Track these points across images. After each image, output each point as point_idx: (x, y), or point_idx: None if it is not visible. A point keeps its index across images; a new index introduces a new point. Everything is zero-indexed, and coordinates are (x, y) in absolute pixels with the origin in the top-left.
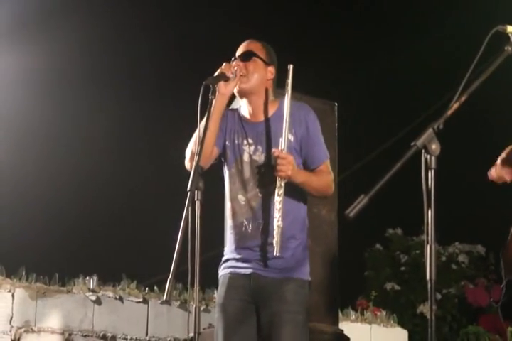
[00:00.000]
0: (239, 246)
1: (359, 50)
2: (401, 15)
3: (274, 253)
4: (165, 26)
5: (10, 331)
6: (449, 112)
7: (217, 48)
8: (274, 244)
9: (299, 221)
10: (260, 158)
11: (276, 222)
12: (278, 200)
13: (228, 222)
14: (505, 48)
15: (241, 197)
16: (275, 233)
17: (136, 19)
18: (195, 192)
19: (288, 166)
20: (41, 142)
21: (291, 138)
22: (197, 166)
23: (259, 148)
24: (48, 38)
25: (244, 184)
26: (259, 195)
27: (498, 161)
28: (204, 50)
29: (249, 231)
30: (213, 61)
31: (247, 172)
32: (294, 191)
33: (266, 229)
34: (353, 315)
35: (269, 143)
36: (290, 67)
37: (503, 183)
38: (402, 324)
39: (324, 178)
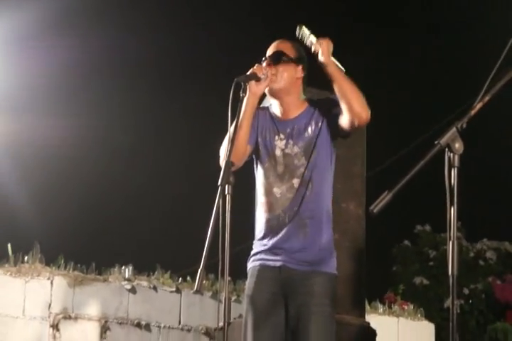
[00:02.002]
0: (271, 239)
1: (391, 47)
2: (436, 13)
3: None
4: (193, 24)
5: (48, 317)
6: (473, 112)
7: (247, 47)
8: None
9: (327, 214)
10: (293, 150)
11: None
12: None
13: (263, 216)
14: None
15: (276, 190)
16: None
17: (165, 17)
18: (226, 186)
19: (328, 46)
20: (84, 138)
21: (320, 131)
22: (228, 162)
23: (291, 141)
24: (80, 35)
25: (278, 178)
26: (295, 187)
27: None
28: (234, 49)
29: (285, 222)
30: (243, 60)
31: (280, 166)
32: (323, 183)
33: (299, 221)
34: (380, 308)
35: (300, 136)
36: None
37: None
38: (429, 318)
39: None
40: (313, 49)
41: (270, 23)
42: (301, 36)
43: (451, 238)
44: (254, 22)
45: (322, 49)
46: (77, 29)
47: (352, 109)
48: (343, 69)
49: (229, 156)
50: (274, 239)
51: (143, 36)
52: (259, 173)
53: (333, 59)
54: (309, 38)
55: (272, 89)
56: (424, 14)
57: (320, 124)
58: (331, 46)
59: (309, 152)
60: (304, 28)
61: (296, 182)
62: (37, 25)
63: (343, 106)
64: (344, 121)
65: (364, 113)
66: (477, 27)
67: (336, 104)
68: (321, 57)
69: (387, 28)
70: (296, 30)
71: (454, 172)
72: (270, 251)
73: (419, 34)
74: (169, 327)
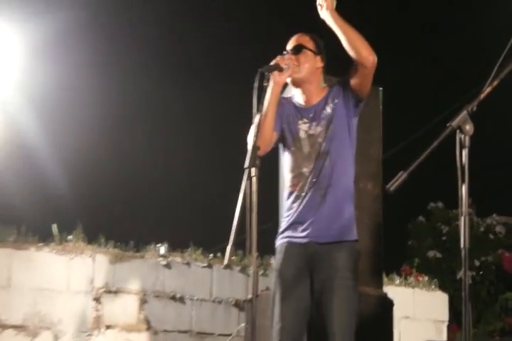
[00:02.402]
0: (296, 214)
1: (404, 36)
2: (447, 2)
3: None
4: (222, 20)
5: (92, 291)
6: (482, 96)
7: (269, 38)
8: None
9: (350, 190)
10: (316, 130)
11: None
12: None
13: (292, 195)
14: None
15: (305, 170)
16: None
17: (189, 10)
18: (252, 169)
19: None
20: (122, 128)
21: (337, 104)
22: (254, 146)
23: (314, 123)
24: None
25: (306, 158)
26: (318, 163)
27: None
28: (257, 40)
29: (308, 193)
30: (266, 50)
31: (305, 147)
32: (340, 154)
33: (319, 190)
34: (397, 280)
35: (321, 116)
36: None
37: None
38: (443, 288)
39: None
40: (317, 3)
41: (289, 16)
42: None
43: (463, 214)
44: (274, 14)
45: (327, 3)
46: (102, 30)
47: (359, 53)
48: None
49: (255, 141)
50: (299, 213)
51: (168, 31)
52: (286, 157)
53: (332, 11)
54: None
55: (295, 79)
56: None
57: (336, 100)
58: (334, 1)
59: (328, 122)
60: None
61: (321, 160)
62: (65, 28)
63: (352, 54)
64: (355, 77)
65: (371, 56)
66: (490, 14)
67: (345, 75)
68: (324, 11)
69: (397, 15)
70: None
71: (464, 153)
72: (296, 226)
73: (430, 19)
74: (202, 300)
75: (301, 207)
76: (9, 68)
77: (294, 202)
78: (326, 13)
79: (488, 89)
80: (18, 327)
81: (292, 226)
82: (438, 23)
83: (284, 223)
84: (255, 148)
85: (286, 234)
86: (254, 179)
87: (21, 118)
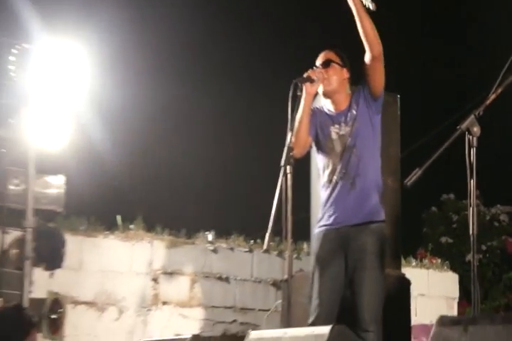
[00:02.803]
0: (331, 204)
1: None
2: (461, 8)
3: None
4: (262, 28)
5: (150, 272)
6: (488, 102)
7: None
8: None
9: (377, 180)
10: (345, 130)
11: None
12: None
13: (327, 191)
14: None
15: (338, 167)
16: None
17: (240, 21)
18: (287, 167)
19: None
20: (183, 127)
21: (359, 104)
22: (289, 147)
23: (343, 124)
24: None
25: (338, 155)
26: (346, 156)
27: None
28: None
29: (342, 187)
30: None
31: (337, 146)
32: (365, 148)
33: (352, 183)
34: (413, 262)
35: (348, 117)
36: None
37: None
38: (453, 269)
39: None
40: None
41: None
42: None
43: (471, 205)
44: (306, 26)
45: None
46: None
47: (368, 39)
48: (371, 5)
49: (290, 142)
50: (332, 202)
51: (217, 39)
52: (320, 157)
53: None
54: None
55: (326, 91)
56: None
57: (358, 100)
58: None
59: (354, 123)
60: None
61: (352, 156)
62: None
63: (364, 37)
64: (368, 72)
65: (378, 44)
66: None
67: (363, 79)
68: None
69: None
70: None
71: (472, 152)
72: (330, 214)
73: (445, 27)
74: (244, 280)
75: (333, 196)
76: (80, 81)
77: (327, 193)
78: (351, 2)
79: (493, 96)
80: (89, 303)
81: (327, 214)
82: (451, 28)
83: (320, 213)
84: (290, 148)
85: (322, 222)
86: (289, 175)
87: (90, 126)
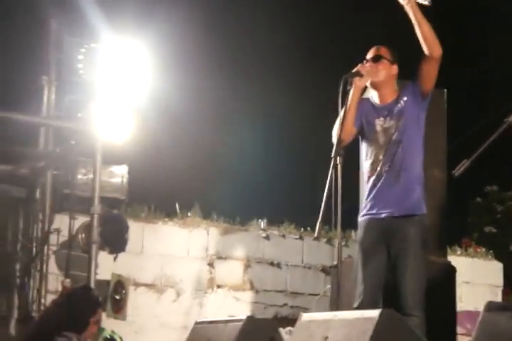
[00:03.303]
0: (375, 194)
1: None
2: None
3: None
4: (312, 25)
5: (206, 257)
6: None
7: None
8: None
9: (420, 174)
10: (389, 123)
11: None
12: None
13: (370, 179)
14: None
15: (381, 157)
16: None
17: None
18: (337, 158)
19: None
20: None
21: (407, 101)
22: (339, 139)
23: (387, 118)
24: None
25: (381, 147)
26: (392, 150)
27: None
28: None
29: (386, 179)
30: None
31: (381, 138)
32: (411, 143)
33: (393, 173)
34: (458, 250)
35: (393, 112)
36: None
37: None
38: (498, 258)
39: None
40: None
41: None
42: None
43: None
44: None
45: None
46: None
47: (429, 44)
48: (426, 1)
49: (339, 135)
50: (376, 193)
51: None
52: (364, 147)
53: (414, 6)
54: None
55: (374, 82)
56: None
57: (405, 98)
58: None
59: (399, 117)
60: None
61: (394, 148)
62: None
63: (423, 43)
64: (423, 67)
65: (438, 48)
66: None
67: (414, 75)
68: (406, 6)
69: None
70: None
71: None
72: (374, 205)
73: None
74: (295, 265)
75: (377, 187)
76: (142, 78)
77: (372, 184)
78: (408, 7)
79: None
80: (149, 286)
81: (371, 204)
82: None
83: (364, 203)
84: (340, 140)
85: (366, 212)
86: (338, 166)
87: (151, 120)
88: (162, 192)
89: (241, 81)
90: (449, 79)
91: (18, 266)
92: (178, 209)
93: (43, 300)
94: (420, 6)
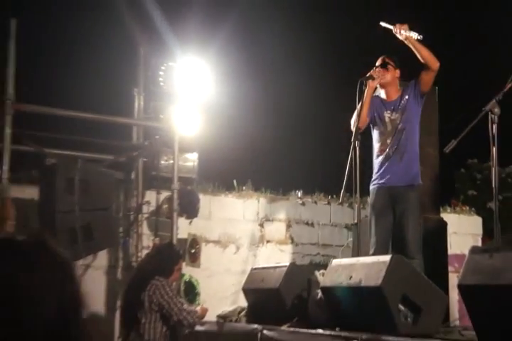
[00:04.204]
0: (383, 169)
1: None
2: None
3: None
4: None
5: (257, 220)
6: (506, 89)
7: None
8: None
9: (416, 152)
10: (395, 116)
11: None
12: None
13: (379, 158)
14: None
15: (389, 142)
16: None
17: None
18: (356, 142)
19: (402, 27)
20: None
21: (409, 98)
22: (356, 127)
23: (394, 112)
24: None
25: (389, 134)
26: (398, 137)
27: None
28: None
29: (390, 156)
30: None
31: (389, 127)
32: (412, 131)
33: (398, 154)
34: (448, 209)
35: (398, 107)
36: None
37: None
38: (478, 214)
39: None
40: (394, 31)
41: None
42: (383, 27)
43: (494, 165)
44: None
45: (404, 36)
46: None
47: (429, 62)
48: (419, 36)
49: (357, 123)
50: (385, 168)
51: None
52: (375, 134)
53: (410, 33)
54: (389, 27)
55: (382, 83)
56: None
57: (407, 96)
58: (405, 27)
59: (402, 111)
60: (382, 24)
61: (399, 134)
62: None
63: (424, 63)
64: (423, 76)
65: (436, 63)
66: None
67: (415, 79)
68: (400, 36)
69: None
70: (378, 26)
71: (494, 127)
72: (383, 176)
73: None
74: (324, 224)
75: (386, 164)
76: (207, 87)
77: (381, 161)
78: (407, 42)
79: (510, 85)
80: (216, 242)
81: (380, 177)
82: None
83: (374, 175)
84: (357, 128)
85: (376, 181)
86: (357, 148)
87: (215, 118)
88: (223, 172)
89: (274, 84)
90: (440, 79)
91: (121, 229)
92: (235, 184)
93: (139, 254)
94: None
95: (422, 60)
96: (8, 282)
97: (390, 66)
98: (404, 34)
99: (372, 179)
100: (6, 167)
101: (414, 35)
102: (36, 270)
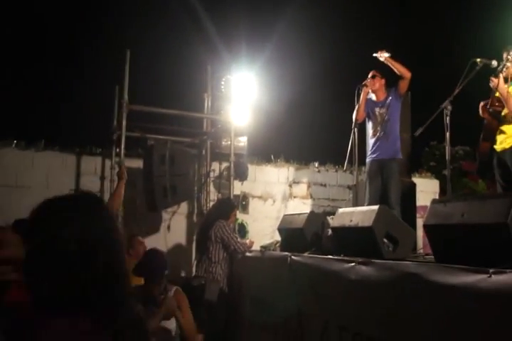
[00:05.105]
0: (374, 146)
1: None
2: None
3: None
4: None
5: (287, 182)
6: (455, 92)
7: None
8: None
9: (397, 134)
10: (383, 110)
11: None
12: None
13: (372, 139)
14: None
15: (378, 128)
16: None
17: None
18: (355, 129)
19: (382, 53)
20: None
21: (391, 98)
22: (356, 120)
23: (382, 108)
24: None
25: (379, 123)
26: (384, 125)
27: None
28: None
29: (379, 136)
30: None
31: (378, 118)
32: (394, 120)
33: (384, 135)
34: (417, 175)
35: (384, 104)
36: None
37: None
38: (436, 178)
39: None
40: (378, 57)
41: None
42: (376, 56)
43: (447, 145)
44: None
45: (384, 58)
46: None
47: (402, 73)
48: (389, 54)
49: (356, 117)
50: (376, 147)
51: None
52: (369, 123)
53: (385, 54)
54: (374, 55)
55: (372, 89)
56: None
57: (390, 97)
58: (384, 53)
59: (387, 108)
60: (374, 55)
61: (384, 122)
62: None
63: (399, 73)
64: (400, 83)
65: (409, 74)
66: None
67: (395, 86)
68: (381, 58)
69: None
70: (373, 55)
71: (448, 119)
72: (374, 152)
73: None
74: (333, 185)
75: (377, 143)
76: (253, 91)
77: (374, 142)
78: (385, 61)
79: (458, 89)
80: (259, 197)
81: (373, 152)
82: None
83: (369, 151)
84: (356, 120)
85: (370, 156)
86: (356, 134)
87: (260, 114)
88: (264, 149)
89: (300, 87)
90: (411, 87)
91: (195, 188)
92: (272, 158)
93: (208, 204)
94: (391, 57)
95: (398, 72)
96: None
97: (377, 77)
98: (383, 56)
99: (368, 154)
100: (123, 146)
101: (387, 54)
102: (102, 219)
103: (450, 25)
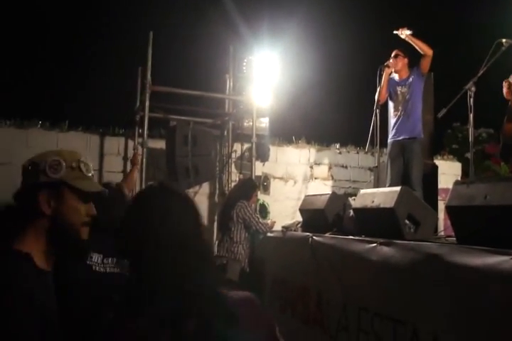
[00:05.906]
0: (396, 127)
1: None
2: None
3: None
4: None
5: (309, 163)
6: (480, 73)
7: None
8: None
9: (420, 115)
10: (404, 89)
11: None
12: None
13: (393, 118)
14: None
15: (401, 108)
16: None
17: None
18: (376, 110)
19: (404, 31)
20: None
21: (414, 77)
22: (378, 100)
23: (404, 87)
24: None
25: (400, 102)
26: (406, 104)
27: None
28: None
29: (401, 116)
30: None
31: (400, 97)
32: (416, 100)
33: (406, 115)
34: (439, 157)
35: (406, 83)
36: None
37: None
38: (458, 161)
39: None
40: (399, 34)
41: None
42: (397, 33)
43: (470, 127)
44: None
45: (404, 35)
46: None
47: (424, 50)
48: (411, 35)
49: (379, 98)
50: (397, 127)
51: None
52: (390, 103)
53: (407, 31)
54: (395, 32)
55: (395, 69)
56: None
57: (412, 76)
58: (404, 29)
59: (409, 87)
60: (395, 32)
61: (406, 101)
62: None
63: (422, 52)
64: (422, 61)
65: (431, 52)
66: None
67: (417, 64)
68: (402, 36)
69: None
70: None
71: (472, 100)
72: (395, 132)
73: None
74: (354, 167)
75: (398, 123)
76: (275, 72)
77: (395, 122)
78: (407, 39)
79: (483, 70)
80: (280, 178)
81: (394, 133)
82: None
83: (390, 132)
84: (379, 100)
85: (391, 137)
86: (377, 115)
87: (281, 94)
88: (286, 130)
89: (322, 69)
90: (434, 67)
91: (217, 168)
92: (293, 139)
93: (229, 185)
94: (412, 35)
95: (420, 50)
96: (169, 208)
97: (400, 56)
98: (404, 34)
99: (390, 136)
100: (146, 127)
101: (409, 32)
102: (181, 201)
103: (477, 4)
